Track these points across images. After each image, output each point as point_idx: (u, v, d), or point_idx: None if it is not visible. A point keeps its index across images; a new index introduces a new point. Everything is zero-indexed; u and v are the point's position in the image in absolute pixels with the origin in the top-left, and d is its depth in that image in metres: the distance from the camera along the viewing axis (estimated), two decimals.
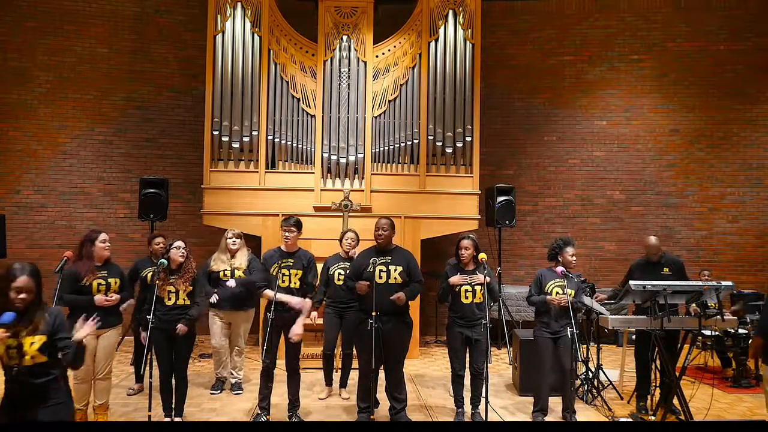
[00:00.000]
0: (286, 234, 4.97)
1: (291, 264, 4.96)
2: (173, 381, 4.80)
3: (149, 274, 5.48)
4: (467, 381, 5.09)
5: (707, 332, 5.44)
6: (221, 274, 5.72)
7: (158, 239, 5.81)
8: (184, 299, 4.74)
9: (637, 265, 5.58)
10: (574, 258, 5.12)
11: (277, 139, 7.60)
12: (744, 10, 9.09)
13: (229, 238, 5.83)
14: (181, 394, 4.83)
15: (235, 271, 5.74)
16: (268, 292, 4.88)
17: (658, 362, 5.25)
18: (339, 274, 5.59)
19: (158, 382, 4.76)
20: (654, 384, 5.37)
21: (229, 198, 7.57)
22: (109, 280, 4.70)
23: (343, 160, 7.63)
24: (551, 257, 5.20)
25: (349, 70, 7.71)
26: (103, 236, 4.76)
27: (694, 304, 4.98)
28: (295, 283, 4.96)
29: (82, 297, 4.58)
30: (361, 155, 7.64)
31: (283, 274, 4.91)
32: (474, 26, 7.78)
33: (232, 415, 5.24)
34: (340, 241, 5.81)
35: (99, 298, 4.60)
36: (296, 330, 4.82)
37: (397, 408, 4.91)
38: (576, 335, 4.89)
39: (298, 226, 5.05)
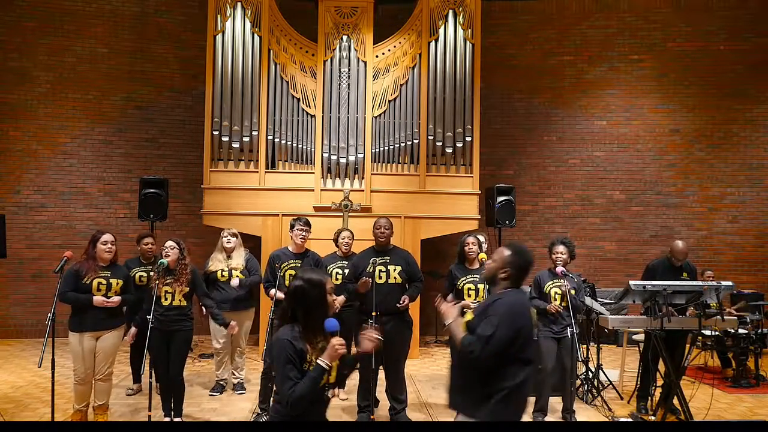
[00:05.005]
0: (303, 234, 5.01)
1: (299, 265, 4.98)
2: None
3: (137, 274, 5.50)
4: None
5: (707, 332, 5.43)
6: (218, 274, 5.72)
7: (147, 239, 5.80)
8: (180, 300, 4.74)
9: (661, 267, 5.46)
10: (559, 257, 5.08)
11: (277, 139, 7.60)
12: (744, 10, 9.08)
13: (225, 237, 5.83)
14: (179, 394, 4.83)
15: (233, 271, 5.71)
16: (273, 292, 4.89)
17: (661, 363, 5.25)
18: (337, 273, 5.58)
19: (157, 382, 4.76)
20: (654, 385, 5.38)
21: (229, 198, 7.57)
22: (111, 280, 4.67)
23: (343, 160, 7.63)
24: (550, 257, 5.25)
25: (349, 70, 7.71)
26: (105, 238, 4.70)
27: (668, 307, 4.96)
28: None
29: (83, 296, 4.57)
30: (361, 155, 7.64)
31: (291, 275, 4.93)
32: (474, 26, 7.78)
33: (232, 415, 5.23)
34: (335, 241, 5.80)
35: (98, 299, 4.58)
36: None
37: (397, 408, 4.91)
38: (576, 335, 4.91)
39: (310, 225, 5.16)
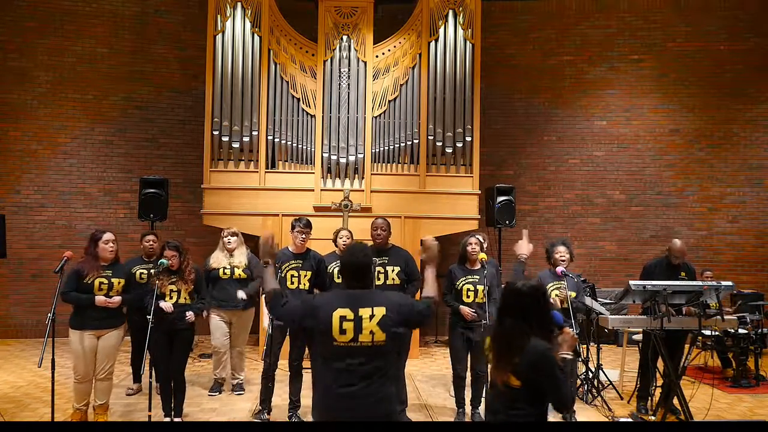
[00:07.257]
0: (302, 236, 4.99)
1: (300, 265, 4.97)
2: (172, 381, 4.80)
3: (138, 272, 5.48)
4: (468, 382, 5.10)
5: (707, 332, 5.43)
6: (220, 272, 5.73)
7: (149, 236, 5.80)
8: (185, 299, 4.75)
9: (658, 267, 5.48)
10: (563, 256, 5.10)
11: (277, 139, 7.60)
12: (744, 11, 9.08)
13: (225, 237, 5.84)
14: (179, 394, 4.83)
15: (235, 269, 5.73)
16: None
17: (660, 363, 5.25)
18: (337, 273, 5.57)
19: (157, 382, 4.76)
20: (654, 384, 5.37)
21: (229, 198, 7.57)
22: (113, 280, 4.67)
23: (343, 160, 7.63)
24: (548, 259, 5.26)
25: (349, 70, 7.71)
26: (107, 236, 4.71)
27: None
28: (304, 285, 4.98)
29: (84, 296, 4.58)
30: (361, 155, 7.64)
31: (293, 276, 4.93)
32: (474, 26, 7.78)
33: (232, 415, 5.24)
34: (335, 240, 5.80)
35: (100, 299, 4.60)
36: None
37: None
38: (576, 335, 4.91)
39: (310, 226, 5.11)
